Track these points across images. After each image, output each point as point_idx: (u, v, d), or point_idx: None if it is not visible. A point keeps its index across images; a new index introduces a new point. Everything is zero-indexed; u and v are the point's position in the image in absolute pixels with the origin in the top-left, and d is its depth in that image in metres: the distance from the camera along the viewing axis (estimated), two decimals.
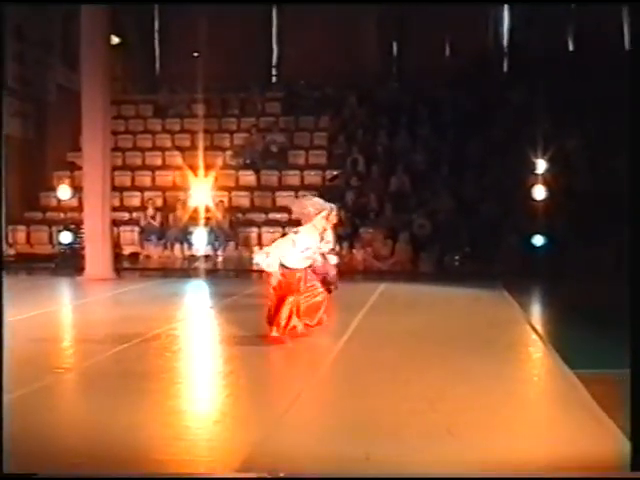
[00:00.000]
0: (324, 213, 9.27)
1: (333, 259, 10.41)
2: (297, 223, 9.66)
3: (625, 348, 6.96)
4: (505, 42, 27.36)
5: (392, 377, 7.47)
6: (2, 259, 18.04)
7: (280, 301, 9.08)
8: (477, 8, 26.54)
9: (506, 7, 27.19)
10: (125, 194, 22.22)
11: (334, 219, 11.18)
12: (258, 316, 10.78)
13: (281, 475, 5.15)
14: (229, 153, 23.38)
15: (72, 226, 19.22)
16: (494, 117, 22.39)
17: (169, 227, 20.59)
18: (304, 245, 9.10)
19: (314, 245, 9.24)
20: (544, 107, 21.00)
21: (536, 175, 18.72)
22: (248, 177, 22.76)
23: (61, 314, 12.61)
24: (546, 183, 18.49)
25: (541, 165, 18.77)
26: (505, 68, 27.04)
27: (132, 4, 25.19)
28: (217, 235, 19.95)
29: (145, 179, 23.02)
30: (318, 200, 9.49)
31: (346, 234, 18.88)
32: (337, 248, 13.36)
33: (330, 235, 11.47)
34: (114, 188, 19.17)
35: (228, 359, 8.54)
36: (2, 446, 5.18)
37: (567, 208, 18.84)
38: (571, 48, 26.68)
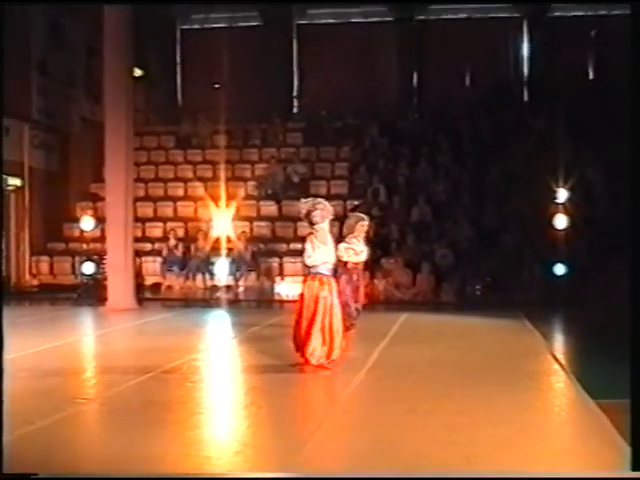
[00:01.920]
0: (330, 217, 9.61)
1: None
2: None
3: None
4: (525, 71, 27.44)
5: (412, 407, 7.46)
6: (2, 288, 18.10)
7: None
8: (496, 36, 26.68)
9: (525, 35, 27.30)
10: (147, 225, 22.36)
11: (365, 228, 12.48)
12: (279, 347, 10.81)
13: (281, 475, 5.15)
14: (251, 183, 23.49)
15: (95, 257, 19.33)
16: (514, 146, 22.41)
17: (191, 257, 20.67)
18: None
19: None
20: (564, 136, 21.02)
21: (557, 204, 18.70)
22: (269, 207, 22.84)
23: (83, 344, 12.66)
24: (567, 212, 18.46)
25: (562, 194, 18.74)
26: (525, 97, 27.11)
27: (154, 32, 25.48)
28: (239, 265, 20.01)
29: (167, 210, 23.16)
30: (325, 204, 9.72)
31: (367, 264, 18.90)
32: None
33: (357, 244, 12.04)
34: (136, 219, 19.32)
35: (249, 390, 8.55)
36: (2, 446, 5.20)
37: (588, 237, 18.81)
38: (591, 76, 26.72)
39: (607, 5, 26.21)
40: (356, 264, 12.45)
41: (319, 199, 9.85)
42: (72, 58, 23.41)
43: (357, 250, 12.32)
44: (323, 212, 9.53)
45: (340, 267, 11.99)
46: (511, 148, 22.38)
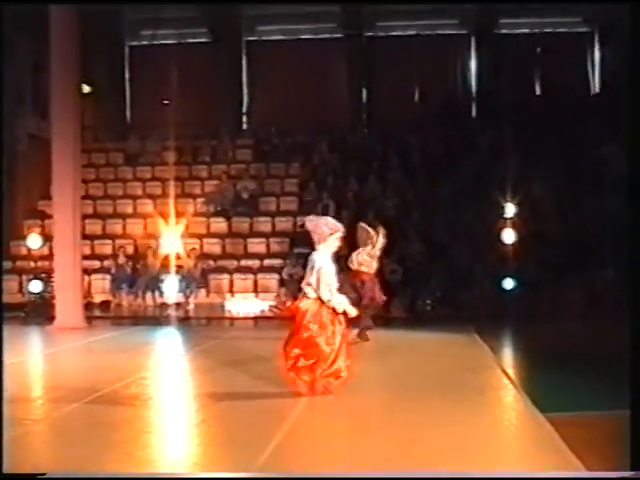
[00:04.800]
0: (338, 234, 8.93)
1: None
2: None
3: (595, 389, 6.98)
4: (473, 87, 27.72)
5: (364, 424, 7.47)
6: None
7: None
8: (445, 53, 26.98)
9: (473, 52, 27.59)
10: (96, 242, 22.18)
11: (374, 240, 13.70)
12: (230, 364, 10.76)
13: (281, 475, 5.11)
14: (200, 200, 23.43)
15: (42, 275, 19.08)
16: (463, 162, 22.61)
17: (140, 275, 20.52)
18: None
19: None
20: (512, 151, 21.26)
21: (505, 219, 18.89)
22: (219, 224, 22.80)
23: (30, 364, 12.47)
24: (515, 227, 18.66)
25: (510, 209, 18.94)
26: (473, 113, 27.37)
27: (102, 48, 25.33)
28: (188, 282, 19.90)
29: (116, 227, 23.01)
30: (332, 220, 9.10)
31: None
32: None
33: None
34: (85, 236, 19.15)
35: (199, 408, 8.49)
36: (2, 446, 5.13)
37: (537, 251, 19.01)
38: (538, 92, 27.07)
39: (553, 22, 26.69)
40: (367, 274, 13.88)
41: (323, 218, 9.20)
42: (18, 73, 23.15)
43: (360, 260, 13.84)
44: (316, 234, 8.82)
45: (353, 277, 13.79)
46: (460, 163, 22.57)
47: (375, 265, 14.05)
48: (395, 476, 5.38)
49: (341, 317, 8.67)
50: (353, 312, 8.80)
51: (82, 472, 5.31)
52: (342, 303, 8.66)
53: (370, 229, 13.92)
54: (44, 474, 5.17)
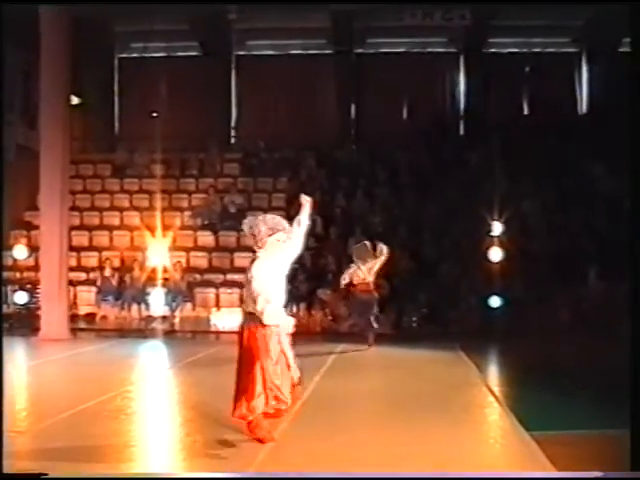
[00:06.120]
0: (280, 235, 7.34)
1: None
2: None
3: (581, 408, 6.96)
4: (461, 105, 27.79)
5: (349, 440, 7.45)
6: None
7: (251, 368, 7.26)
8: (434, 71, 27.09)
9: (462, 70, 27.69)
10: (82, 254, 22.05)
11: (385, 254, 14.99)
12: (215, 378, 10.74)
13: (281, 475, 5.08)
14: (187, 214, 23.37)
15: (28, 286, 19.00)
16: (451, 179, 22.65)
17: (126, 287, 20.43)
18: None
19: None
20: (500, 169, 21.31)
21: (492, 237, 18.93)
22: (206, 238, 22.73)
23: (15, 376, 12.40)
24: (502, 245, 18.69)
25: (497, 227, 18.98)
26: (461, 131, 27.44)
27: (92, 60, 25.26)
28: (174, 296, 19.83)
29: (103, 239, 22.87)
30: (273, 218, 7.46)
31: (303, 295, 19.01)
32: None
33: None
34: (71, 248, 19.07)
35: (184, 422, 8.47)
36: (2, 446, 5.11)
37: (523, 269, 19.04)
38: (526, 111, 27.17)
39: (541, 42, 26.84)
40: (367, 284, 15.00)
41: (262, 216, 7.53)
42: (8, 82, 23.06)
43: (353, 274, 14.95)
44: (253, 237, 7.39)
45: (354, 290, 15.07)
46: (447, 181, 22.61)
47: (372, 276, 15.05)
48: (395, 476, 5.35)
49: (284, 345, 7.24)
50: (290, 327, 7.29)
51: (82, 472, 5.27)
52: (273, 314, 7.10)
53: (370, 246, 15.02)
54: (44, 474, 5.15)
